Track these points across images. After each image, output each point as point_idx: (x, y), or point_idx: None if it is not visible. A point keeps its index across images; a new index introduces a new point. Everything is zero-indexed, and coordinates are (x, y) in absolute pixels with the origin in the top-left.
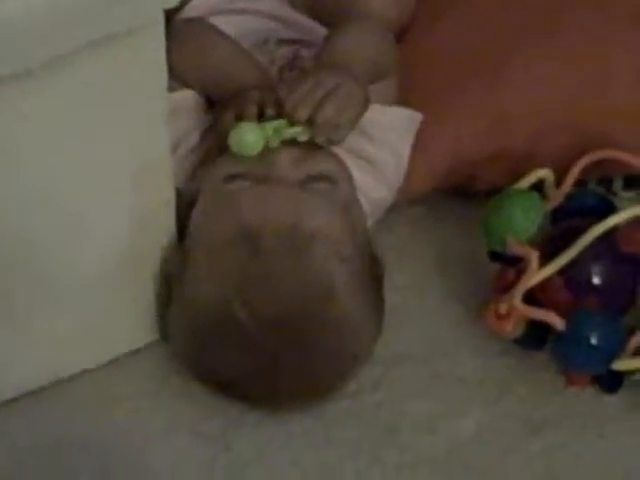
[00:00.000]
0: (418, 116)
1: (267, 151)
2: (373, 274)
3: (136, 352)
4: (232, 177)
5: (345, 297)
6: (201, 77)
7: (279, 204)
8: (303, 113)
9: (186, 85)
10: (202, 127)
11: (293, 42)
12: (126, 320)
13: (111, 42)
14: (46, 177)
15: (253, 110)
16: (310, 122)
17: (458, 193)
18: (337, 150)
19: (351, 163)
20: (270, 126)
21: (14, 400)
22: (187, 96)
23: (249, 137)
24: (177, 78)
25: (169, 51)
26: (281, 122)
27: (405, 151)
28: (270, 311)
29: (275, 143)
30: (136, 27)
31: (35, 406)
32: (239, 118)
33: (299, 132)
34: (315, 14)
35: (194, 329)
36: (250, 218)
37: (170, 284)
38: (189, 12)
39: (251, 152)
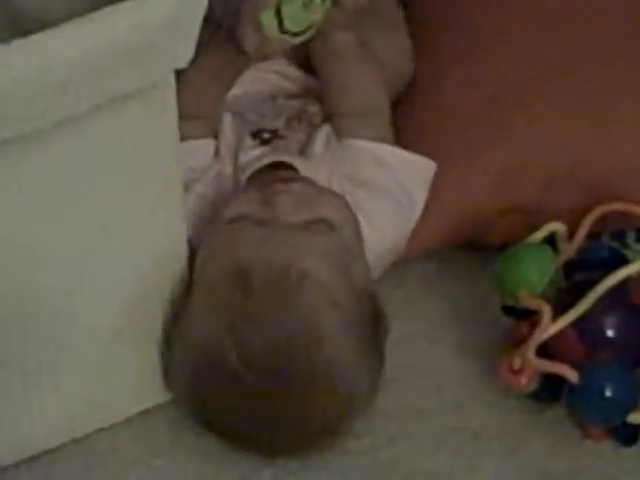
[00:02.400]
0: (432, 165)
1: (270, 194)
2: (372, 324)
3: (149, 411)
4: (236, 218)
5: (334, 342)
6: None
7: (274, 244)
8: None
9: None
10: (209, 175)
11: (301, 97)
12: (139, 379)
13: (121, 103)
14: (57, 235)
15: None
16: None
17: (469, 247)
18: (355, 184)
19: (367, 196)
20: None
21: (28, 460)
22: (191, 145)
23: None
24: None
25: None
26: None
27: (419, 197)
28: (259, 351)
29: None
30: (146, 88)
31: (49, 466)
32: None
33: None
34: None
35: (190, 370)
36: (245, 256)
37: (170, 335)
38: None
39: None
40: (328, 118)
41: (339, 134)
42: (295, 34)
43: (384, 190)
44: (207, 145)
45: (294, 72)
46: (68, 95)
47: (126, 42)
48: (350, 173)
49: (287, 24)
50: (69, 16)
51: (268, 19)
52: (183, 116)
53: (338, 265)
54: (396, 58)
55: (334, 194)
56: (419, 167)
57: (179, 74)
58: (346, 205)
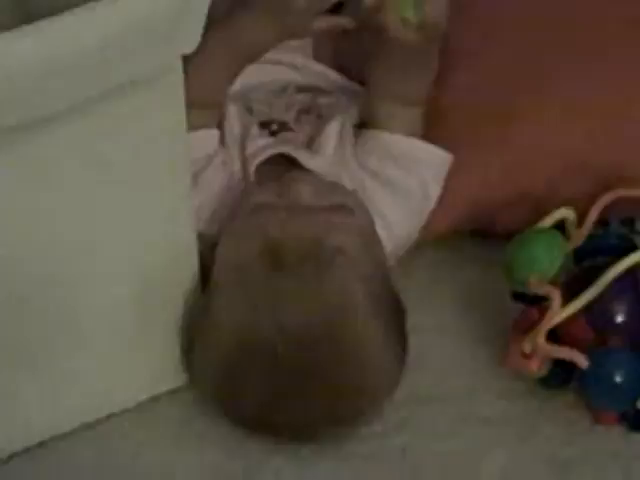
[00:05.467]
0: (449, 158)
1: (287, 183)
2: (395, 307)
3: (160, 397)
4: (256, 208)
5: (365, 317)
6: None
7: (303, 222)
8: None
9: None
10: (213, 164)
11: (311, 89)
12: (150, 365)
13: (129, 89)
14: (66, 221)
15: None
16: None
17: (479, 235)
18: (374, 178)
19: (383, 191)
20: None
21: (39, 445)
22: (195, 136)
23: None
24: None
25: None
26: None
27: (434, 189)
28: (296, 324)
29: None
30: (153, 74)
31: (60, 451)
32: None
33: None
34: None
35: (221, 355)
36: (276, 235)
37: (195, 327)
38: None
39: None
40: (367, 103)
41: (371, 121)
42: None
43: (402, 188)
44: (211, 136)
45: (307, 62)
46: (75, 81)
47: (132, 28)
48: (369, 166)
49: None
50: (75, 3)
51: None
52: (190, 104)
53: (364, 244)
54: None
55: (345, 186)
56: (437, 160)
57: (187, 61)
58: (356, 195)
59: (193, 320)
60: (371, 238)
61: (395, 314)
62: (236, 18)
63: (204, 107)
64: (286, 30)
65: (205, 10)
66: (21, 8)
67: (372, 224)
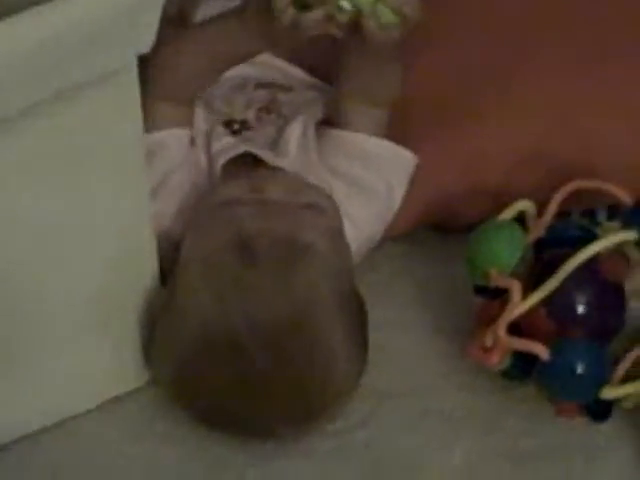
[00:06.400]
0: (414, 159)
1: (259, 180)
2: (357, 305)
3: (121, 397)
4: (227, 202)
5: (330, 313)
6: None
7: (275, 217)
8: None
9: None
10: (185, 166)
11: (271, 86)
12: (111, 366)
13: (84, 89)
14: (21, 224)
15: None
16: None
17: (440, 229)
18: (339, 178)
19: (348, 191)
20: None
21: (1, 448)
22: (169, 135)
23: None
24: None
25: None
26: None
27: (399, 190)
28: (262, 319)
29: None
30: (109, 74)
31: (22, 454)
32: None
33: None
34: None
35: (184, 347)
36: (248, 226)
37: (156, 320)
38: None
39: None
40: (334, 101)
41: (337, 120)
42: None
43: (368, 188)
44: (183, 136)
45: (267, 58)
46: (28, 82)
47: (86, 28)
48: (335, 166)
49: None
50: (28, 3)
51: None
52: (173, 99)
53: (333, 243)
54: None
55: (317, 186)
56: (403, 161)
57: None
58: (327, 194)
59: (154, 315)
60: (340, 238)
61: (358, 314)
62: (225, 23)
63: (181, 103)
64: (272, 42)
65: (159, 10)
66: None
67: (341, 224)
